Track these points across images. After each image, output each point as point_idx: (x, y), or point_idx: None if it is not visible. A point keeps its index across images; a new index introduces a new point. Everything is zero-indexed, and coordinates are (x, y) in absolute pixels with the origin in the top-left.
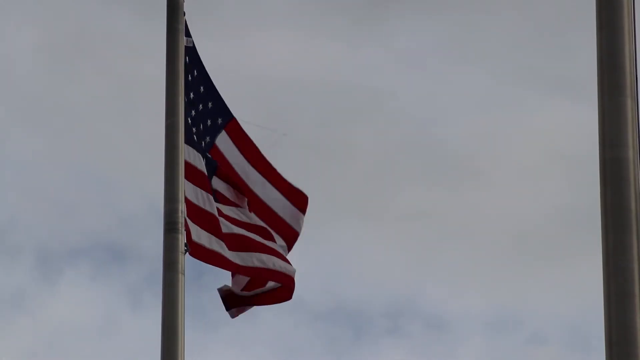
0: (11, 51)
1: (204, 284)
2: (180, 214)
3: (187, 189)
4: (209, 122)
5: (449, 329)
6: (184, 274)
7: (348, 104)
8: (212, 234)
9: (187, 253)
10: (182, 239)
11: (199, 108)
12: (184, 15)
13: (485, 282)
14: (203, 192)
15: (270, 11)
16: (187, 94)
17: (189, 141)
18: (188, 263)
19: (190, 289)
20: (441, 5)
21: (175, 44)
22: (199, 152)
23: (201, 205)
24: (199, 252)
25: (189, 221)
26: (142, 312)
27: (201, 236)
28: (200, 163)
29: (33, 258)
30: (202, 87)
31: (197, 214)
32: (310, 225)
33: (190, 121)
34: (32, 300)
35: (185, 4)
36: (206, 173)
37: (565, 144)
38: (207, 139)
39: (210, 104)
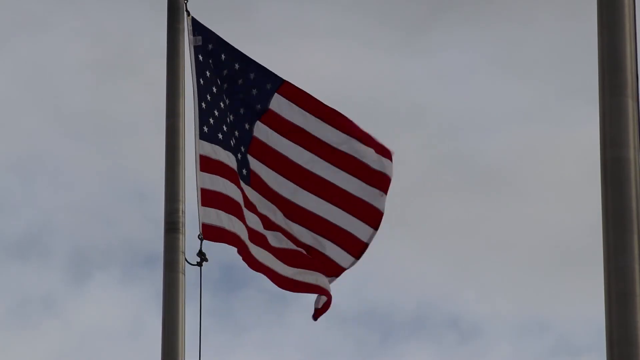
0: (58, 67)
1: (232, 287)
2: (180, 214)
3: (203, 179)
4: (254, 92)
5: (477, 334)
6: (184, 274)
7: (391, 118)
8: (234, 216)
9: (201, 239)
10: (182, 239)
11: (237, 83)
12: (189, 15)
13: (518, 289)
14: (226, 181)
15: (313, 23)
16: (210, 88)
17: (207, 137)
18: (215, 267)
19: (218, 292)
20: (487, 19)
21: (176, 44)
22: (227, 150)
23: (224, 191)
24: (212, 232)
25: (200, 206)
26: None
27: (218, 218)
28: (223, 157)
29: (64, 261)
30: (236, 65)
31: (216, 199)
32: None
33: (217, 113)
34: (61, 303)
35: (221, 12)
36: (236, 169)
37: None
38: (258, 106)
39: (252, 75)
